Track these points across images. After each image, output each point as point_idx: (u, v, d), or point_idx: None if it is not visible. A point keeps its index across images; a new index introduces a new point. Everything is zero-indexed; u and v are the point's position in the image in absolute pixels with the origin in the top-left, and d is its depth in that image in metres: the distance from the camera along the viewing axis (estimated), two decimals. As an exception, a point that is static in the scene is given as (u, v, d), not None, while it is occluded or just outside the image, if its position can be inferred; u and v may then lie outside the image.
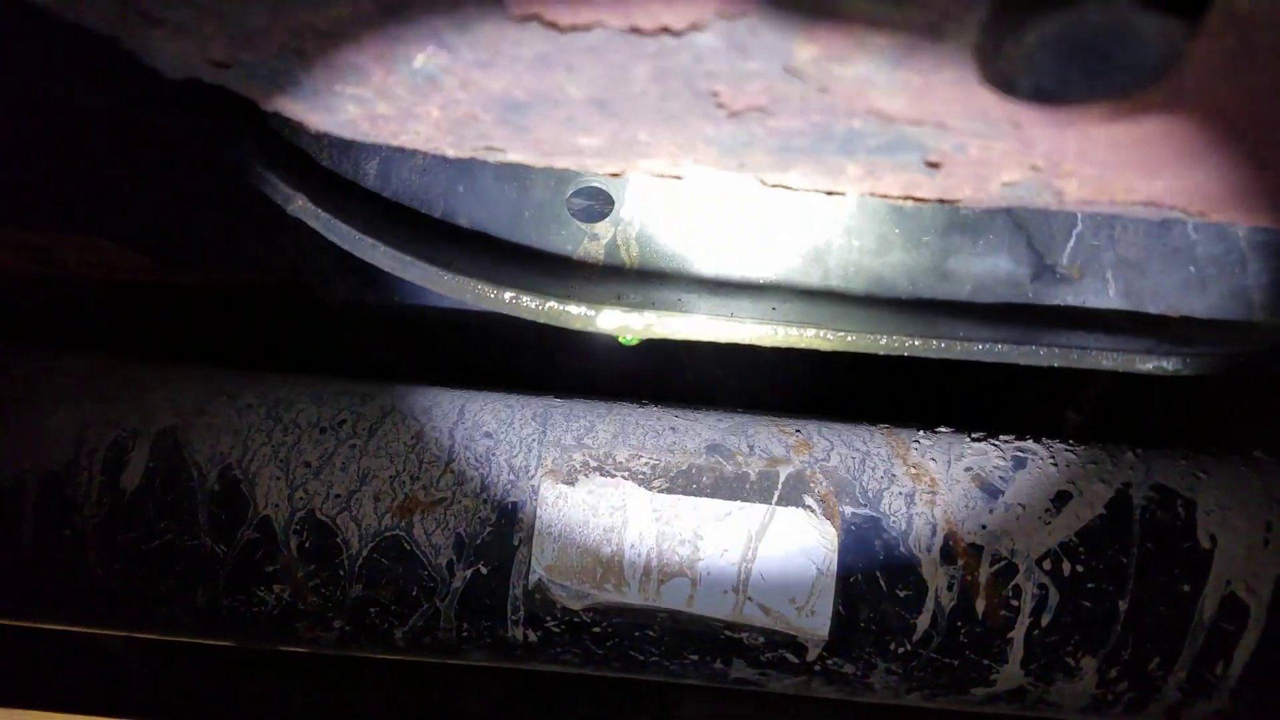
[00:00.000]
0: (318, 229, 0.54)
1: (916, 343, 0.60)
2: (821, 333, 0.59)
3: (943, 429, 0.74)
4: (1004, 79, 0.36)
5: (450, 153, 0.47)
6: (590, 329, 0.58)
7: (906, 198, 0.49)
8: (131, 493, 0.67)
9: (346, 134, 0.47)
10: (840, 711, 1.14)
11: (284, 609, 0.67)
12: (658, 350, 0.92)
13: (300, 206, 0.53)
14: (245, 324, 1.13)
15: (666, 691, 1.18)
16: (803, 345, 0.60)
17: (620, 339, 0.68)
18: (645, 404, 0.76)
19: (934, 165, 0.47)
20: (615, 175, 0.49)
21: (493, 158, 0.47)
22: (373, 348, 1.08)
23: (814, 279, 0.73)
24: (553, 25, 0.40)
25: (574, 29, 0.41)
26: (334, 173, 0.50)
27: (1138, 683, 0.68)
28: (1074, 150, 0.47)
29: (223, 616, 0.68)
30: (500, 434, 0.70)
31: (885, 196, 0.49)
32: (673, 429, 0.73)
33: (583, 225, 0.71)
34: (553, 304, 0.58)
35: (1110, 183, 0.50)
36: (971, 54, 0.39)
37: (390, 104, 0.45)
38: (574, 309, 0.58)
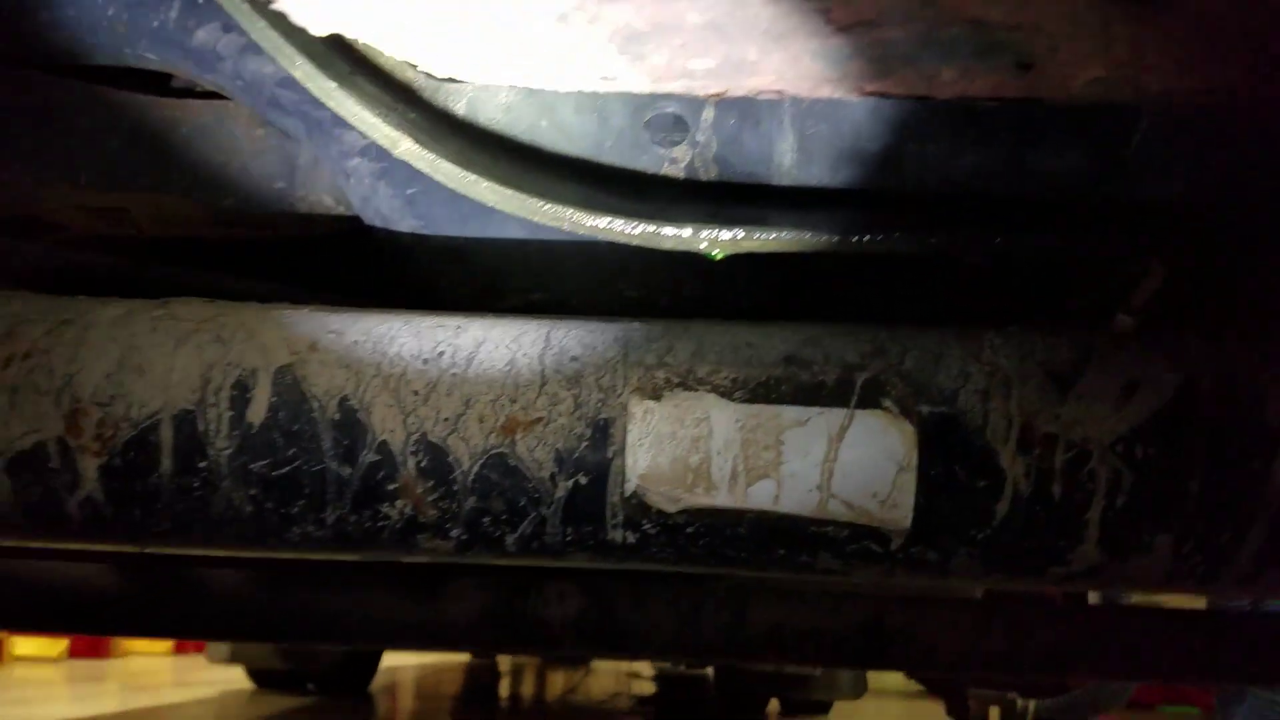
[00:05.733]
0: (423, 169, 0.57)
1: None
2: (898, 235, 0.62)
3: (1012, 328, 0.76)
4: None
5: (562, 88, 0.50)
6: (684, 249, 0.61)
7: (993, 98, 0.51)
8: (258, 426, 0.74)
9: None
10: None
11: (406, 522, 0.74)
12: (723, 271, 0.94)
13: (406, 149, 0.57)
14: (313, 275, 1.17)
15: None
16: (878, 250, 0.63)
17: (708, 254, 0.71)
18: (719, 321, 0.79)
19: (1026, 67, 0.49)
20: (717, 96, 0.51)
21: (605, 87, 0.50)
22: (439, 284, 1.11)
23: (893, 183, 0.75)
24: None
25: None
26: (430, 109, 0.54)
27: (1211, 556, 0.71)
28: (1154, 39, 0.48)
29: (351, 532, 0.75)
30: (586, 357, 0.75)
31: (974, 97, 0.51)
32: (748, 344, 0.76)
33: (661, 150, 0.73)
34: (647, 227, 0.61)
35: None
36: None
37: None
38: (668, 230, 0.61)
